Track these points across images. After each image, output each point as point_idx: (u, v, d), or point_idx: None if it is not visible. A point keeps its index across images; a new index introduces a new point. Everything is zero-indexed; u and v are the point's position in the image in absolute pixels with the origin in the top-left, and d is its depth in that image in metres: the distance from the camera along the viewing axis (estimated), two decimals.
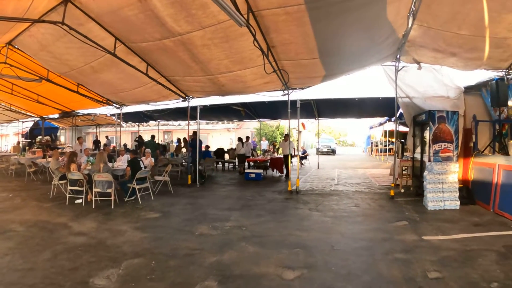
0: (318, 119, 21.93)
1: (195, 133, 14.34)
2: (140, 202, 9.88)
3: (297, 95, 12.58)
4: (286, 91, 12.02)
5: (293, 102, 12.41)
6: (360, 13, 7.47)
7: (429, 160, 10.13)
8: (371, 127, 37.31)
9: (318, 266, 5.30)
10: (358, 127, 65.48)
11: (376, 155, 36.51)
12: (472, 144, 11.02)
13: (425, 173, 10.05)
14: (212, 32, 7.87)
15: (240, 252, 5.91)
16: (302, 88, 12.27)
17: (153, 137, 18.34)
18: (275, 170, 17.86)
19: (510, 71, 11.36)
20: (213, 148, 23.01)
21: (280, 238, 6.71)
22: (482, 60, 10.41)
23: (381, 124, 28.63)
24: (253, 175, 15.67)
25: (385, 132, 30.09)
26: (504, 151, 10.63)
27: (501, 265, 5.46)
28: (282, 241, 6.51)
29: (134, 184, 9.96)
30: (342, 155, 43.35)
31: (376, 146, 37.19)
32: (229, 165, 21.95)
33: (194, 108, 14.34)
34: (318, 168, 21.90)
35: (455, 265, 5.40)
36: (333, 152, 42.91)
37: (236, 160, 19.99)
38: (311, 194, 11.73)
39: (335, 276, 4.93)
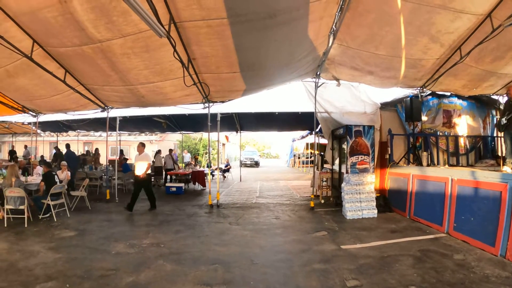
0: (240, 132, 21.92)
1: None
2: (55, 220, 9.21)
3: (218, 108, 12.49)
4: (206, 104, 11.87)
5: (214, 115, 12.32)
6: (282, 30, 7.56)
7: (347, 172, 10.41)
8: (294, 140, 38.13)
9: (236, 282, 5.16)
10: (282, 139, 66.49)
11: (298, 167, 37.23)
12: (388, 156, 11.67)
13: (343, 184, 10.32)
14: (132, 41, 7.53)
15: (157, 271, 5.63)
16: (222, 102, 12.17)
17: (68, 146, 17.23)
18: (196, 183, 17.53)
19: (424, 89, 12.18)
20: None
21: (198, 254, 6.50)
22: (398, 78, 11.08)
23: (303, 137, 29.33)
24: (174, 189, 15.27)
25: (308, 144, 30.81)
26: (418, 162, 11.21)
27: (417, 268, 5.67)
28: (200, 257, 6.31)
29: (48, 200, 9.29)
30: (266, 167, 43.84)
31: (299, 158, 37.94)
32: (154, 178, 21.18)
33: (114, 119, 13.75)
34: (240, 180, 21.86)
35: (372, 272, 5.51)
36: (256, 164, 43.20)
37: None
38: (232, 207, 11.60)
39: None
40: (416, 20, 8.17)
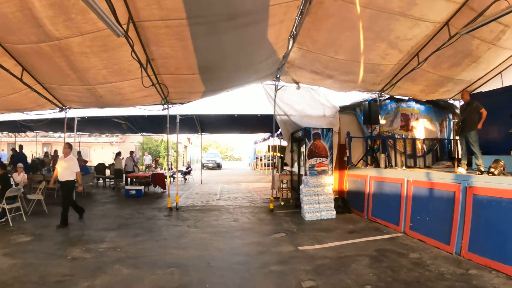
0: (201, 134, 21.76)
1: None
2: (11, 224, 8.82)
3: (177, 109, 12.33)
4: (165, 106, 11.69)
5: (174, 117, 12.14)
6: (242, 33, 7.52)
7: (305, 174, 10.49)
8: (256, 142, 38.20)
9: (193, 285, 5.09)
10: (244, 142, 66.50)
11: (260, 169, 37.30)
12: (346, 158, 11.82)
13: (302, 186, 10.40)
14: (91, 40, 7.28)
15: (113, 276, 5.47)
16: (182, 103, 12.02)
17: (21, 147, 16.58)
18: (157, 186, 17.24)
19: (383, 93, 12.44)
20: (94, 163, 21.71)
21: (156, 258, 6.36)
22: (357, 83, 11.27)
23: (265, 139, 29.45)
24: (133, 192, 14.88)
25: (269, 147, 30.93)
26: (376, 164, 11.51)
27: (373, 268, 5.75)
28: (157, 261, 6.18)
29: (3, 204, 8.87)
30: (228, 169, 43.59)
31: (261, 160, 38.03)
32: (110, 181, 20.62)
33: (73, 120, 13.36)
34: (201, 183, 21.63)
35: (329, 273, 5.54)
36: (218, 166, 42.85)
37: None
38: (191, 210, 11.44)
39: None
40: (375, 26, 8.32)
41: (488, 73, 12.56)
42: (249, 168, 47.29)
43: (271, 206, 11.22)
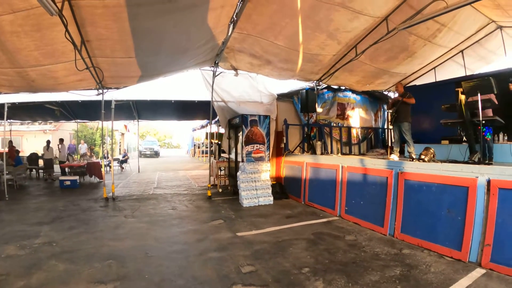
0: (138, 121, 21.21)
1: None
2: None
3: (113, 95, 11.86)
4: (100, 91, 11.23)
5: (109, 103, 11.63)
6: (181, 16, 7.32)
7: (242, 161, 10.59)
8: (194, 129, 37.83)
9: (131, 276, 4.98)
10: (183, 129, 65.82)
11: (199, 156, 37.08)
12: (283, 145, 12.08)
13: (239, 173, 10.49)
14: (23, 18, 6.69)
15: (49, 272, 5.21)
16: (117, 88, 11.57)
17: None
18: (93, 176, 16.61)
19: (320, 83, 12.74)
20: (27, 153, 20.55)
21: (92, 251, 6.13)
22: (295, 71, 11.46)
23: (203, 126, 29.20)
24: (68, 183, 14.22)
25: (207, 134, 30.73)
26: (312, 151, 11.75)
27: (310, 251, 5.93)
28: (94, 254, 5.96)
29: None
30: (166, 157, 43.16)
31: (199, 147, 37.77)
32: (43, 172, 19.66)
33: (2, 106, 12.47)
34: (139, 172, 21.22)
35: (267, 257, 5.64)
36: (156, 154, 42.26)
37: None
38: (128, 199, 11.16)
39: (148, 285, 4.67)
40: (315, 16, 8.46)
41: (423, 67, 13.35)
42: (187, 156, 46.99)
43: (209, 193, 11.23)
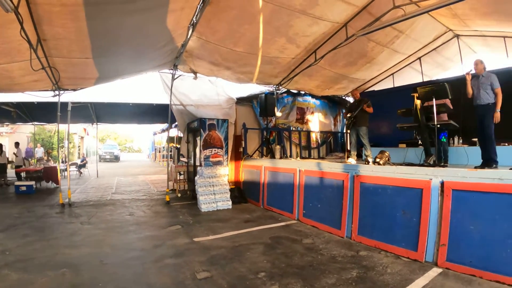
0: (97, 124, 20.62)
1: None
2: None
3: (71, 97, 11.50)
4: (57, 92, 10.85)
5: (65, 105, 11.20)
6: (140, 17, 7.13)
7: (200, 165, 10.49)
8: (155, 133, 37.36)
9: (85, 285, 4.78)
10: (144, 133, 64.67)
11: (159, 161, 36.59)
12: (242, 149, 12.04)
13: (197, 178, 10.37)
14: None
15: (1, 282, 4.96)
16: (74, 90, 11.21)
17: None
18: (50, 181, 15.94)
19: (280, 87, 12.77)
20: None
21: (46, 259, 5.86)
22: (254, 74, 11.41)
23: (163, 130, 28.81)
24: (24, 188, 13.56)
25: (168, 137, 30.33)
26: (271, 155, 11.74)
27: (267, 255, 5.87)
28: (48, 262, 5.71)
29: None
30: (126, 161, 42.34)
31: (160, 152, 37.30)
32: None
33: None
34: (97, 176, 20.72)
35: (223, 262, 5.54)
36: (116, 159, 41.34)
37: None
38: (85, 205, 10.80)
39: None
40: (275, 21, 8.44)
41: (381, 73, 13.59)
42: (148, 160, 46.29)
43: (167, 198, 11.02)
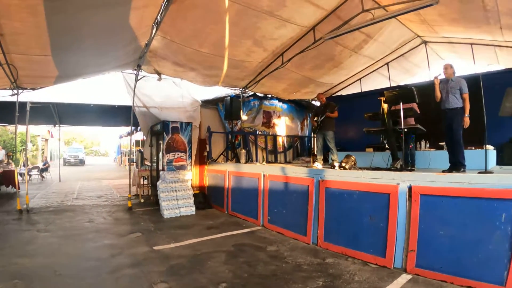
0: (60, 126, 19.84)
1: None
2: None
3: (29, 96, 10.92)
4: (15, 91, 10.31)
5: (25, 104, 10.68)
6: (102, 13, 6.82)
7: (163, 169, 10.18)
8: (121, 136, 36.63)
9: None
10: (111, 136, 63.49)
11: (125, 165, 35.86)
12: (206, 153, 11.83)
13: (159, 182, 10.02)
14: None
15: None
16: (33, 89, 10.68)
17: None
18: (10, 185, 15.12)
19: (247, 90, 12.60)
20: None
21: None
22: (220, 77, 11.22)
23: (129, 133, 28.23)
24: None
25: (136, 141, 29.77)
26: (236, 159, 11.52)
27: (230, 264, 5.61)
28: (0, 273, 5.32)
29: None
30: (92, 165, 41.41)
31: (126, 155, 36.62)
32: None
33: None
34: (60, 181, 19.99)
35: (183, 272, 5.27)
36: (81, 162, 40.35)
37: None
38: (44, 212, 10.24)
39: None
40: (242, 22, 8.29)
41: (349, 78, 13.74)
42: (114, 164, 45.44)
43: (129, 204, 10.61)
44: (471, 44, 10.85)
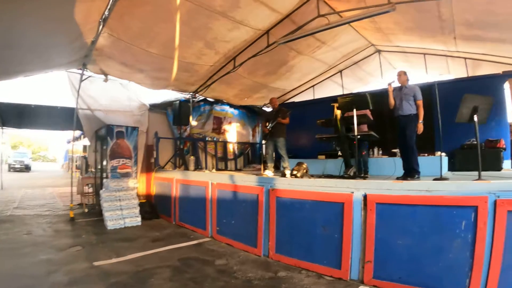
0: (2, 128, 18.67)
1: None
2: None
3: None
4: None
5: None
6: (44, 5, 6.27)
7: (107, 177, 9.65)
8: (69, 141, 35.42)
9: None
10: (60, 140, 61.26)
11: (74, 171, 34.61)
12: (153, 160, 11.31)
13: (102, 191, 9.45)
14: None
15: None
16: None
17: None
18: None
19: (196, 95, 12.32)
20: None
21: None
22: (170, 81, 10.81)
23: (77, 138, 27.20)
24: None
25: (84, 147, 28.77)
26: (185, 167, 11.23)
27: (174, 281, 5.23)
28: None
29: None
30: (38, 171, 39.60)
31: (73, 161, 35.37)
32: None
33: None
34: (2, 188, 18.80)
35: None
36: (27, 168, 38.56)
37: None
38: None
39: None
40: (193, 22, 8.01)
41: (302, 85, 13.87)
42: (62, 170, 43.82)
43: (71, 215, 9.94)
44: (424, 54, 11.16)
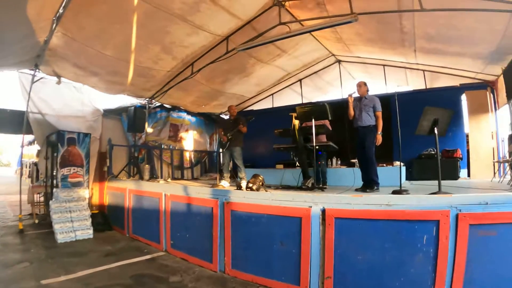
0: None
1: None
2: None
3: None
4: None
5: None
6: None
7: (57, 186, 9.18)
8: (22, 146, 34.03)
9: None
10: (15, 144, 58.96)
11: (26, 178, 33.30)
12: (106, 168, 10.89)
13: (51, 202, 8.95)
14: None
15: None
16: None
17: None
18: None
19: (153, 101, 12.05)
20: None
21: None
22: (125, 85, 10.45)
23: (30, 143, 26.21)
24: None
25: (39, 151, 27.65)
26: (139, 175, 10.88)
27: None
28: None
29: None
30: None
31: (27, 167, 34.02)
32: None
33: None
34: None
35: None
36: None
37: None
38: None
39: None
40: (150, 24, 7.78)
41: (261, 93, 14.02)
42: (16, 176, 42.16)
43: (20, 226, 9.29)
44: (384, 65, 11.44)
